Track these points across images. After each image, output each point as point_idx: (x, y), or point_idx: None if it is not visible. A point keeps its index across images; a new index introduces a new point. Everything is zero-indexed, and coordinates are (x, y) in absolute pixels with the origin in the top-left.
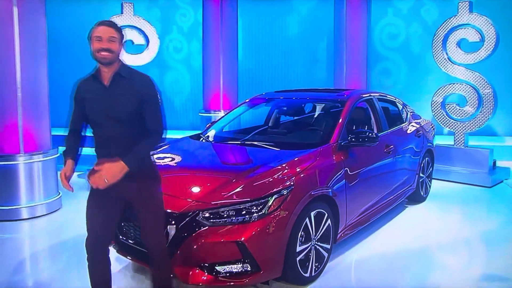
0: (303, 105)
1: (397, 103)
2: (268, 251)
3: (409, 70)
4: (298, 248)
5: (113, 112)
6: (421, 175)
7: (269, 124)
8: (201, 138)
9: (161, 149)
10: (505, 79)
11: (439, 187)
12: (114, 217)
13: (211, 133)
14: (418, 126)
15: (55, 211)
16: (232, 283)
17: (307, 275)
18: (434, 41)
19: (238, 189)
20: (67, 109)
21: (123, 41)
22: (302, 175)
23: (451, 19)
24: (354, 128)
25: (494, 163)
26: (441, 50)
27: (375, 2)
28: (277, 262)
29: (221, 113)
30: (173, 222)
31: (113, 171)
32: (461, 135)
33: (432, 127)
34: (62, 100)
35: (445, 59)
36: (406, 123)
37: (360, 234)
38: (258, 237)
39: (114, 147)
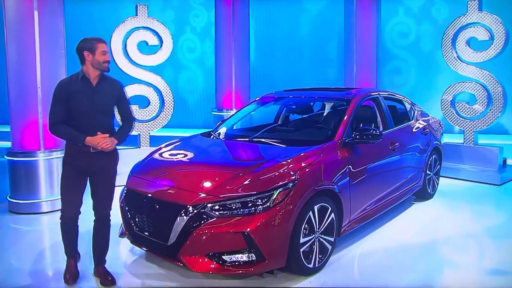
0: (311, 103)
1: (404, 102)
2: (272, 241)
3: (419, 68)
4: (302, 240)
5: (98, 106)
6: (428, 172)
7: (278, 122)
8: (212, 136)
9: (173, 145)
10: None
11: (448, 184)
12: (82, 188)
13: (222, 131)
14: (425, 124)
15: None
16: (238, 272)
17: (311, 266)
18: (443, 39)
19: (244, 183)
20: None
21: None
22: (306, 170)
23: (461, 17)
24: (361, 126)
25: (505, 161)
26: (451, 48)
27: (385, 1)
28: (281, 253)
29: (233, 112)
30: (183, 214)
31: (113, 141)
32: (471, 133)
33: (440, 125)
34: None
35: (454, 57)
36: (413, 121)
37: (365, 228)
38: (263, 228)
39: (93, 132)
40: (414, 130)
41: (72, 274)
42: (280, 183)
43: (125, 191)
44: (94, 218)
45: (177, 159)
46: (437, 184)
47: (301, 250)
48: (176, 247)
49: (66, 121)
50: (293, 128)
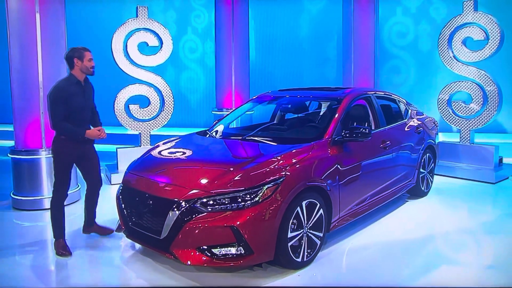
0: (304, 103)
1: (398, 101)
2: (260, 235)
3: (418, 68)
4: (290, 234)
5: (88, 103)
6: (421, 170)
7: (273, 121)
8: (208, 134)
9: (169, 143)
10: (511, 77)
11: (443, 182)
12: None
13: (217, 129)
14: (419, 123)
15: (75, 202)
16: (227, 265)
17: (299, 260)
18: (439, 39)
19: (234, 179)
20: None
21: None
22: (294, 167)
23: (456, 17)
24: (355, 124)
25: (501, 160)
26: (447, 48)
27: (383, 1)
28: (269, 246)
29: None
30: (175, 209)
31: (103, 129)
32: (467, 132)
33: (435, 124)
34: None
35: (450, 57)
36: (406, 120)
37: (356, 224)
38: (251, 222)
39: (86, 125)
40: (407, 128)
41: (67, 249)
42: (269, 179)
43: (121, 187)
44: (86, 187)
45: (172, 157)
46: (431, 182)
47: (289, 244)
48: (168, 240)
49: (65, 119)
50: (286, 127)
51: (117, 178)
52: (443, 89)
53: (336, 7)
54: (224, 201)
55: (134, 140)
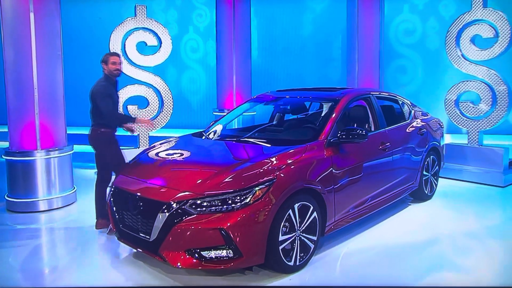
0: (302, 103)
1: (400, 101)
2: (250, 238)
3: (426, 67)
4: (281, 238)
5: (117, 103)
6: (425, 173)
7: (271, 122)
8: (203, 136)
9: (163, 145)
10: None
11: (449, 185)
12: None
13: (213, 131)
14: (422, 124)
15: (70, 204)
16: (216, 267)
17: (291, 263)
18: (447, 37)
19: (224, 181)
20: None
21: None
22: (285, 169)
23: (465, 14)
24: (355, 125)
25: (510, 162)
26: (455, 47)
27: None
28: (259, 249)
29: None
30: (164, 211)
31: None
32: (475, 133)
33: (440, 125)
34: (79, 99)
35: (458, 56)
36: (408, 121)
37: (355, 228)
38: (240, 225)
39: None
40: (408, 130)
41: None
42: (259, 181)
43: (112, 189)
44: (97, 178)
45: (164, 159)
46: (436, 185)
47: (281, 247)
48: (158, 243)
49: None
50: (283, 128)
51: None
52: (450, 89)
53: (341, 5)
54: (213, 203)
55: (132, 142)
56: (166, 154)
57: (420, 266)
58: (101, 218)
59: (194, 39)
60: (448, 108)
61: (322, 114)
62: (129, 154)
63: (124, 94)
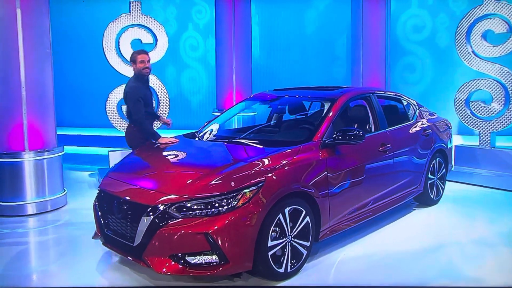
0: (299, 103)
1: (404, 101)
2: (236, 243)
3: (435, 65)
4: (270, 243)
5: (151, 99)
6: (430, 176)
7: (268, 122)
8: (196, 137)
9: (152, 147)
10: None
11: (459, 190)
12: None
13: (207, 131)
14: (427, 124)
15: (60, 207)
16: (201, 274)
17: (282, 270)
18: (457, 33)
19: (210, 183)
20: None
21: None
22: (276, 171)
23: (476, 8)
24: (355, 126)
25: None
26: (465, 43)
27: None
28: (247, 255)
29: None
30: (148, 214)
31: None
32: (487, 135)
33: (448, 126)
34: (73, 98)
35: (469, 52)
36: (412, 121)
37: (353, 233)
38: (226, 229)
39: (152, 119)
40: (412, 131)
41: None
42: (246, 184)
43: (97, 192)
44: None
45: (151, 160)
46: (442, 189)
47: (270, 253)
48: (142, 247)
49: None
50: (278, 128)
51: None
52: (460, 87)
53: (345, 1)
54: (199, 206)
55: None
56: (155, 156)
57: (419, 275)
58: None
59: (194, 37)
60: (458, 108)
61: (318, 115)
62: (123, 155)
63: (119, 93)
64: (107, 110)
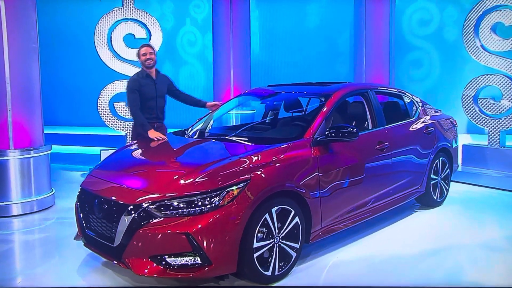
0: (294, 99)
1: (405, 98)
2: (219, 244)
3: (443, 61)
4: (256, 244)
5: (159, 92)
6: (433, 176)
7: (265, 119)
8: (185, 134)
9: (136, 144)
10: None
11: (465, 191)
12: None
13: (196, 129)
14: (430, 122)
15: (47, 208)
16: (183, 276)
17: (269, 273)
18: (464, 26)
19: (193, 181)
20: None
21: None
22: (262, 169)
23: (485, 0)
24: (353, 123)
25: None
26: (473, 36)
27: None
28: (230, 257)
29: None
30: (129, 213)
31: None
32: (496, 133)
33: (453, 124)
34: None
35: (477, 46)
36: (413, 119)
37: (350, 235)
38: (208, 229)
39: (156, 112)
40: (412, 128)
41: None
42: (231, 182)
43: (78, 191)
44: None
45: (136, 158)
46: (447, 190)
47: (256, 255)
48: (121, 248)
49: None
50: (270, 125)
51: None
52: (468, 83)
53: None
54: (180, 205)
55: (120, 141)
56: (140, 154)
57: (415, 280)
58: None
59: (192, 32)
60: (465, 105)
61: (310, 111)
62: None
63: (112, 90)
64: (99, 108)
